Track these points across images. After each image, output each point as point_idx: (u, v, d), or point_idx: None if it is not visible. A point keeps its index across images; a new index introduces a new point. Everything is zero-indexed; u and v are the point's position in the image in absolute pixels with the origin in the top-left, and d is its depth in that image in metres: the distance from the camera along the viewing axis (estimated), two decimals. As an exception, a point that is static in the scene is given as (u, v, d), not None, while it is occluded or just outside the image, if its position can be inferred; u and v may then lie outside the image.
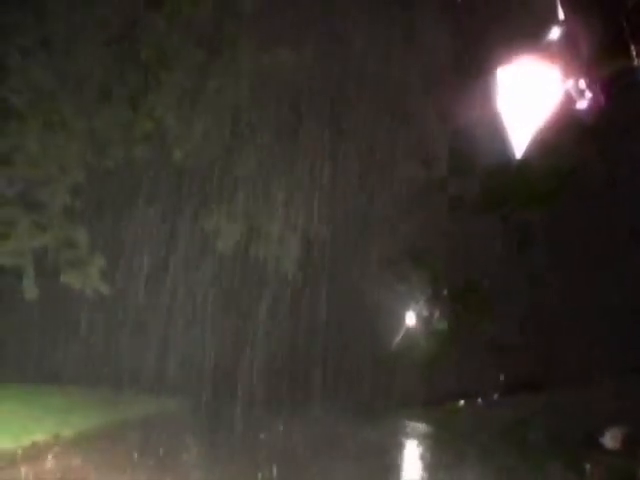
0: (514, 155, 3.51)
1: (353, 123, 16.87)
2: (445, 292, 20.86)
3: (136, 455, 7.98)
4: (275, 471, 7.37)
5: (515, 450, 9.92)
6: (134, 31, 13.70)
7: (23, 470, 6.40)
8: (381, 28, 14.89)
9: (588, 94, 3.12)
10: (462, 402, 18.58)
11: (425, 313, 21.50)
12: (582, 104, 3.17)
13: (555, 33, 3.07)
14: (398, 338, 21.76)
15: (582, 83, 3.10)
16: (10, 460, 6.73)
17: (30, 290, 15.34)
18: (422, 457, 10.89)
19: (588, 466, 8.26)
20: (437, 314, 21.20)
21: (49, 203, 15.40)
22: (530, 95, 3.19)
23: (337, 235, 18.93)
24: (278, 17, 14.47)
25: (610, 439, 10.13)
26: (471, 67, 12.37)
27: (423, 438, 13.81)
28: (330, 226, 18.21)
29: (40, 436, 8.29)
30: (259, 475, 6.91)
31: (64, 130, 14.77)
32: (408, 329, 22.09)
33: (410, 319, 22.04)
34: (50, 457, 7.29)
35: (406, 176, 17.88)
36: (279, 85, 15.51)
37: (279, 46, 14.74)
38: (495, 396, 17.39)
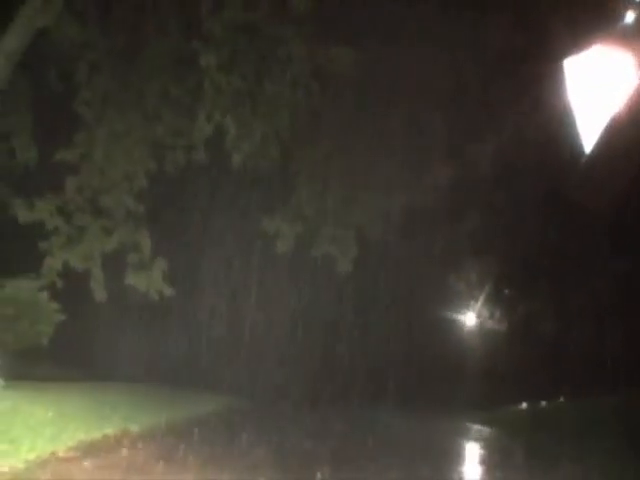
0: (584, 148, 3.37)
1: (411, 120, 16.67)
2: (506, 292, 20.31)
3: (199, 451, 8.18)
4: (331, 469, 7.36)
5: (583, 456, 9.51)
6: (193, 37, 14.06)
7: (95, 460, 6.69)
8: (440, 22, 14.64)
9: (666, 80, 2.96)
10: (524, 405, 18.03)
11: (485, 313, 21.01)
12: (659, 91, 3.01)
13: (629, 17, 2.93)
14: (458, 339, 21.35)
15: (659, 69, 2.93)
16: (84, 451, 7.07)
17: (99, 292, 16.03)
18: (484, 461, 10.61)
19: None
20: (498, 314, 20.68)
21: (114, 209, 16.05)
22: (602, 83, 3.05)
23: (395, 234, 18.77)
24: (332, 15, 14.49)
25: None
26: (539, 56, 11.94)
27: (485, 441, 13.46)
28: (388, 225, 18.07)
29: (110, 430, 8.64)
30: (318, 475, 6.92)
31: (128, 138, 15.36)
32: (468, 330, 21.64)
33: (470, 319, 21.58)
34: (119, 450, 7.59)
35: (466, 174, 17.53)
36: (336, 84, 15.53)
37: (334, 44, 14.77)
38: (560, 399, 16.75)
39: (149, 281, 16.50)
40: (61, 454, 6.66)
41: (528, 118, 14.49)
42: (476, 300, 21.00)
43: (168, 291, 16.78)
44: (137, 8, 14.41)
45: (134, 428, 9.38)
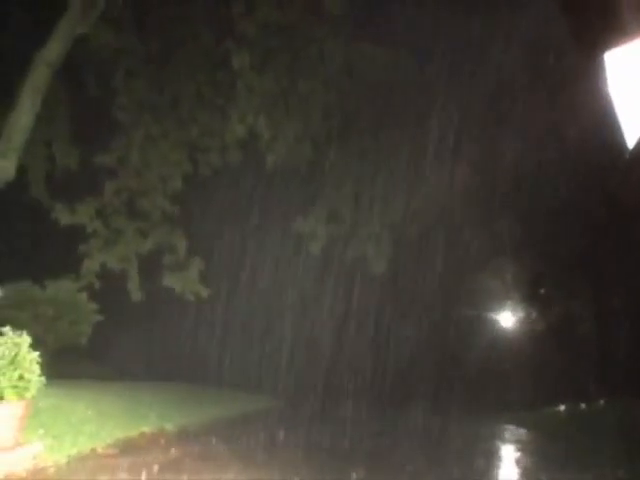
0: (626, 144, 3.27)
1: (445, 118, 16.48)
2: (543, 291, 19.88)
3: (233, 450, 8.27)
4: (366, 469, 7.34)
5: (624, 460, 9.23)
6: (226, 39, 14.22)
7: (132, 458, 6.84)
8: (473, 20, 14.46)
9: None
10: (562, 407, 17.59)
11: (522, 313, 20.61)
12: None
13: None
14: (494, 339, 21.00)
15: None
16: (122, 448, 7.24)
17: (135, 293, 16.36)
18: (520, 463, 10.40)
19: None
20: (535, 314, 20.25)
21: (151, 211, 16.37)
22: (644, 78, 2.95)
23: (430, 233, 18.57)
24: (365, 14, 14.47)
25: None
26: (576, 51, 11.63)
27: (522, 443, 13.19)
28: (422, 225, 17.91)
29: (146, 429, 8.83)
30: (353, 475, 6.90)
31: (163, 141, 15.65)
32: (504, 330, 21.25)
33: (506, 320, 21.19)
34: (156, 448, 7.73)
35: (502, 172, 17.24)
36: (368, 83, 15.49)
37: (367, 43, 14.73)
38: (601, 402, 16.28)
39: (185, 282, 16.76)
40: (100, 450, 6.85)
41: (566, 115, 14.16)
42: (512, 300, 20.63)
43: (204, 292, 17.00)
44: (171, 12, 14.66)
45: (169, 427, 9.55)
